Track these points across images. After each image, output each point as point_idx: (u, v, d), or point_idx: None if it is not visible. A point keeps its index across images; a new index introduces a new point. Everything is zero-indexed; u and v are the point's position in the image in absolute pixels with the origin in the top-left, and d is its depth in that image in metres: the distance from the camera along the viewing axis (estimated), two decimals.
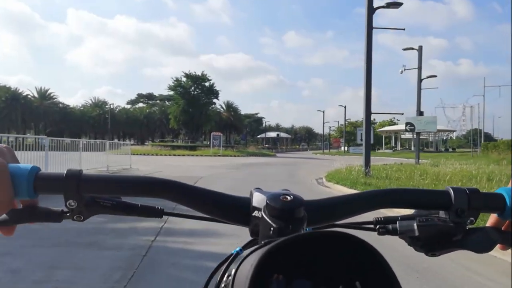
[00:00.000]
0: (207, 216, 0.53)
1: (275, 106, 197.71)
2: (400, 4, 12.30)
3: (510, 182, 0.53)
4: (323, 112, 67.98)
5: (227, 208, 0.51)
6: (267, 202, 0.46)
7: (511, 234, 0.53)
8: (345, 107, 59.56)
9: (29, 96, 65.46)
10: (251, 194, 0.51)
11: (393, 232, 0.53)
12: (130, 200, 0.53)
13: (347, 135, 61.91)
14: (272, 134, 79.18)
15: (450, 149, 64.65)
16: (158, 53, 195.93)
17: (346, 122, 62.78)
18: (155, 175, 0.54)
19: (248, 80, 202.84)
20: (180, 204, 0.51)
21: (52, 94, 69.49)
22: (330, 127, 75.87)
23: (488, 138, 64.98)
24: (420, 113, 22.95)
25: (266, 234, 0.45)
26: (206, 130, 54.24)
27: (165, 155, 34.35)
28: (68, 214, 0.50)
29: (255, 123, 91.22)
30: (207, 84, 48.39)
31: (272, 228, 0.44)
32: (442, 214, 0.53)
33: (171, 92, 49.40)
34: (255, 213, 0.48)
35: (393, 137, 66.72)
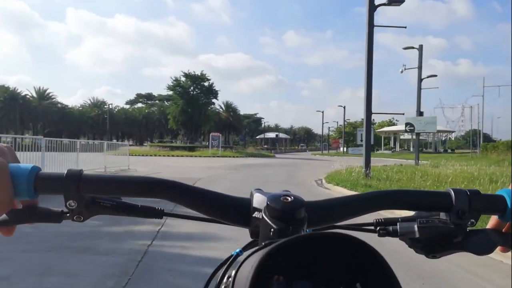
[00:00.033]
0: (207, 217, 0.52)
1: (274, 106, 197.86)
2: (402, 1, 12.16)
3: (511, 183, 0.52)
4: (322, 112, 67.91)
5: (227, 208, 0.50)
6: (267, 203, 0.46)
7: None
8: (344, 107, 59.52)
9: (27, 96, 65.23)
10: (252, 195, 0.50)
11: (394, 234, 0.53)
12: (130, 201, 0.53)
13: (346, 135, 61.84)
14: (271, 135, 79.08)
15: (449, 150, 64.61)
16: (157, 53, 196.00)
17: (345, 123, 62.59)
18: (153, 177, 0.53)
19: (247, 80, 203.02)
20: (180, 204, 0.50)
21: (50, 94, 69.29)
22: (329, 127, 75.90)
23: (487, 139, 64.92)
24: (420, 114, 22.86)
25: (267, 235, 0.45)
26: (205, 131, 54.10)
27: (164, 155, 34.21)
28: (68, 214, 0.50)
29: (254, 123, 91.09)
30: (206, 84, 48.27)
31: (272, 229, 0.44)
32: (442, 215, 0.52)
33: (170, 92, 49.29)
34: (256, 214, 0.48)
35: (392, 138, 66.66)
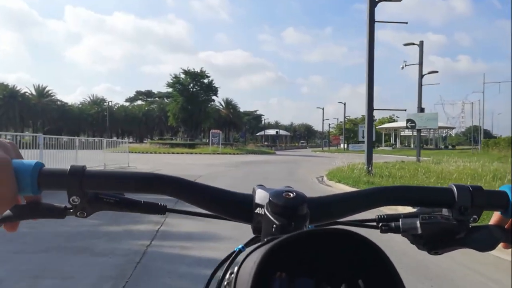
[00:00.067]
0: (209, 212, 0.52)
1: (274, 103, 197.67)
2: None
3: None
4: (323, 109, 67.79)
5: (230, 204, 0.50)
6: (269, 199, 0.46)
7: None
8: (344, 104, 59.22)
9: (27, 94, 65.07)
10: (254, 191, 0.50)
11: (396, 230, 0.53)
12: (133, 197, 0.53)
13: (347, 132, 61.64)
14: (271, 132, 78.95)
15: (450, 147, 64.46)
16: (156, 50, 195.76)
17: (346, 119, 62.43)
18: (156, 172, 0.53)
19: (247, 77, 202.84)
20: (183, 200, 0.50)
21: (50, 92, 69.06)
22: (329, 124, 75.76)
23: (487, 135, 64.82)
24: (421, 110, 22.71)
25: (269, 231, 0.45)
26: (205, 128, 53.93)
27: (164, 153, 34.09)
28: (71, 210, 0.51)
29: (254, 120, 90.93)
30: (206, 81, 48.04)
31: (274, 225, 0.44)
32: (445, 212, 0.52)
33: (170, 89, 49.04)
34: (258, 210, 0.48)
35: (393, 134, 66.50)
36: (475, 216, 0.51)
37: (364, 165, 12.25)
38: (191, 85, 47.30)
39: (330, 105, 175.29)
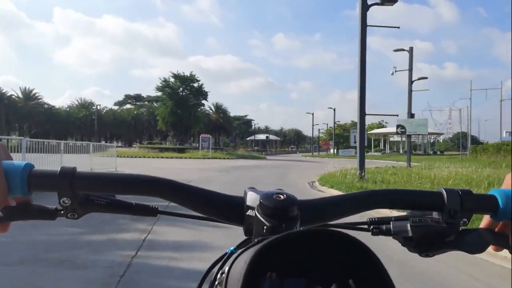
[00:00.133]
0: (201, 215, 0.52)
1: (264, 109, 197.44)
2: (395, 0, 11.90)
3: (503, 183, 0.53)
4: (312, 114, 67.88)
5: (221, 207, 0.51)
6: (260, 201, 0.46)
7: (504, 235, 0.52)
8: (334, 109, 59.24)
9: (13, 97, 63.94)
10: (245, 193, 0.50)
11: (387, 233, 0.53)
12: (124, 199, 0.53)
13: (336, 137, 61.74)
14: (262, 137, 78.74)
15: (438, 152, 65.07)
16: (146, 54, 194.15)
17: (335, 125, 62.54)
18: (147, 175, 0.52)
19: (237, 82, 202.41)
20: (174, 202, 0.51)
21: (37, 95, 67.99)
22: (319, 129, 75.82)
23: (474, 141, 65.46)
24: (411, 115, 22.74)
25: (260, 233, 0.45)
26: (195, 132, 53.50)
27: (153, 157, 33.61)
28: (62, 212, 0.50)
29: (244, 125, 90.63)
30: (195, 85, 47.64)
31: (265, 227, 0.45)
32: (435, 215, 0.53)
33: (159, 93, 48.55)
34: (249, 212, 0.48)
35: (382, 140, 66.86)
36: (465, 219, 0.51)
37: (357, 171, 12.07)
38: (181, 89, 46.87)
39: (320, 111, 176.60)
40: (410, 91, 21.68)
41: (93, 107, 71.29)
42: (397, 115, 19.69)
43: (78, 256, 3.87)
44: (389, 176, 12.27)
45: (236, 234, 0.52)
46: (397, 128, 24.15)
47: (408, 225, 0.52)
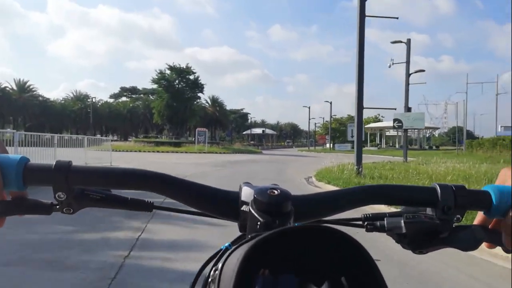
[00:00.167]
0: (196, 210, 0.52)
1: (260, 102, 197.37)
2: None
3: (497, 179, 0.53)
4: (309, 108, 67.62)
5: (217, 202, 0.51)
6: (254, 196, 0.46)
7: (497, 232, 0.52)
8: (331, 103, 59.07)
9: (7, 89, 63.27)
10: (240, 188, 0.50)
11: (381, 229, 0.53)
12: (120, 194, 0.53)
13: (333, 131, 61.61)
14: (258, 131, 78.59)
15: (434, 147, 65.09)
16: (141, 45, 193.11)
17: (332, 119, 62.40)
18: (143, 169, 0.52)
19: (233, 75, 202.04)
20: (170, 198, 0.50)
21: (31, 87, 67.35)
22: (315, 123, 75.63)
23: (470, 135, 65.55)
24: (408, 109, 22.63)
25: (254, 229, 0.45)
26: (191, 126, 53.25)
27: (149, 151, 33.39)
28: (57, 206, 0.50)
29: (240, 119, 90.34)
30: (191, 77, 47.25)
31: (259, 223, 0.44)
32: (429, 211, 0.53)
33: (155, 86, 48.16)
34: (244, 208, 0.48)
35: (378, 134, 66.80)
36: (459, 216, 0.51)
37: (354, 166, 11.96)
38: (177, 81, 46.49)
39: (316, 104, 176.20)
40: (407, 84, 21.48)
41: (88, 100, 70.71)
42: (395, 109, 19.57)
43: (68, 257, 3.73)
44: (387, 171, 12.17)
45: (232, 232, 0.51)
46: (394, 122, 24.07)
47: (402, 221, 0.51)
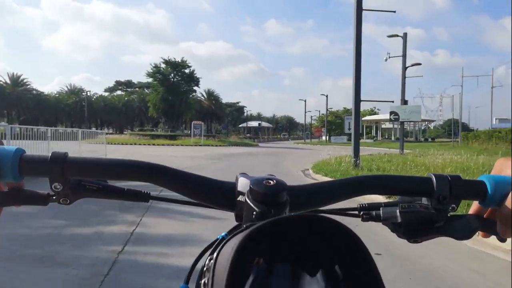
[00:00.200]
0: (193, 200, 0.53)
1: (256, 95, 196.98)
2: None
3: (493, 169, 0.53)
4: (305, 101, 67.48)
5: (213, 192, 0.51)
6: (250, 187, 0.46)
7: (492, 221, 0.52)
8: (327, 96, 58.94)
9: (1, 82, 62.60)
10: (237, 179, 0.51)
11: (377, 219, 0.54)
12: (117, 185, 0.53)
13: (329, 124, 61.63)
14: (254, 124, 78.35)
15: (430, 139, 65.30)
16: (136, 40, 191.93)
17: (327, 112, 62.36)
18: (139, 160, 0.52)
19: (229, 69, 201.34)
20: (166, 188, 0.50)
21: (25, 80, 66.68)
22: (311, 116, 75.55)
23: (465, 128, 65.75)
24: (405, 102, 22.60)
25: (249, 218, 0.45)
26: (187, 119, 52.97)
27: (144, 144, 33.16)
28: (54, 197, 0.51)
29: (236, 112, 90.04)
30: (187, 71, 46.92)
31: (254, 212, 0.45)
32: (424, 201, 0.53)
33: (150, 79, 47.81)
34: (240, 198, 0.49)
35: (374, 126, 66.88)
36: (454, 205, 0.51)
37: (351, 158, 11.87)
38: (172, 75, 46.16)
39: (312, 97, 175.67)
40: (404, 77, 21.47)
41: (83, 93, 70.10)
42: (393, 101, 19.50)
43: (59, 253, 3.59)
44: (384, 163, 12.09)
45: (229, 225, 0.51)
46: (390, 115, 24.00)
47: (397, 211, 0.51)
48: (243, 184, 0.48)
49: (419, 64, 25.17)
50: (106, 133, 21.59)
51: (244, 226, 0.42)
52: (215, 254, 0.39)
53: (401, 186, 0.53)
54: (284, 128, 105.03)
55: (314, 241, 0.39)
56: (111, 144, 25.22)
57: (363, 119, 62.30)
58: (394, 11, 15.23)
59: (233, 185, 0.50)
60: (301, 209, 0.51)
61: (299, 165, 14.58)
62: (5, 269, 3.17)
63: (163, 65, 46.07)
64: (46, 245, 3.80)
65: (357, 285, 0.37)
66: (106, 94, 79.41)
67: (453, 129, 46.58)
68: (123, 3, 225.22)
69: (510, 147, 25.44)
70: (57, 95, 72.76)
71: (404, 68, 21.45)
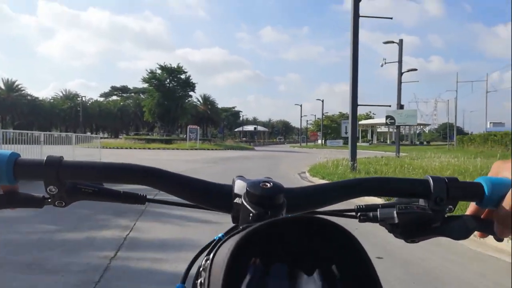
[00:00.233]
0: (190, 203, 0.53)
1: (252, 101, 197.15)
2: None
3: (490, 171, 0.54)
4: (301, 106, 67.65)
5: (210, 194, 0.51)
6: (247, 189, 0.47)
7: (489, 221, 0.53)
8: (322, 101, 59.26)
9: None
10: (234, 181, 0.51)
11: (374, 220, 0.54)
12: (113, 187, 0.53)
13: (324, 128, 61.81)
14: (250, 128, 78.29)
15: (425, 142, 65.55)
16: (133, 47, 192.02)
17: (323, 116, 62.55)
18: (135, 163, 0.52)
19: (224, 75, 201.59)
20: (163, 191, 0.50)
21: (20, 86, 66.32)
22: (307, 120, 75.70)
23: (460, 132, 66.19)
24: (401, 107, 22.64)
25: (246, 220, 0.46)
26: (183, 123, 52.77)
27: (140, 148, 32.93)
28: (49, 200, 0.51)
29: (232, 116, 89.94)
30: (183, 76, 46.85)
31: (251, 214, 0.45)
32: (421, 202, 0.53)
33: (146, 85, 47.68)
34: (237, 200, 0.49)
35: (370, 130, 67.09)
36: (451, 206, 0.52)
37: (348, 161, 11.78)
38: (168, 80, 46.06)
39: (307, 103, 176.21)
40: (400, 82, 21.55)
41: (78, 99, 69.75)
42: (390, 106, 19.56)
43: (49, 259, 3.45)
44: (382, 166, 12.01)
45: (226, 228, 0.51)
46: (386, 119, 24.02)
47: (395, 212, 0.52)
48: (240, 187, 0.48)
49: (415, 69, 25.26)
50: (101, 138, 21.38)
51: (241, 227, 0.42)
52: (211, 255, 0.39)
53: (398, 188, 0.53)
54: (280, 132, 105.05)
55: (312, 242, 0.39)
56: (106, 148, 25.02)
57: (359, 123, 62.56)
58: (391, 18, 15.25)
59: (230, 188, 0.50)
60: (298, 211, 0.51)
61: (295, 168, 14.48)
62: None
63: (159, 71, 45.98)
64: (35, 251, 3.65)
65: (355, 284, 0.37)
66: (102, 99, 79.14)
67: (448, 133, 46.71)
68: (120, 10, 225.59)
69: (506, 150, 25.49)
70: (52, 101, 72.37)
71: (400, 73, 21.53)
